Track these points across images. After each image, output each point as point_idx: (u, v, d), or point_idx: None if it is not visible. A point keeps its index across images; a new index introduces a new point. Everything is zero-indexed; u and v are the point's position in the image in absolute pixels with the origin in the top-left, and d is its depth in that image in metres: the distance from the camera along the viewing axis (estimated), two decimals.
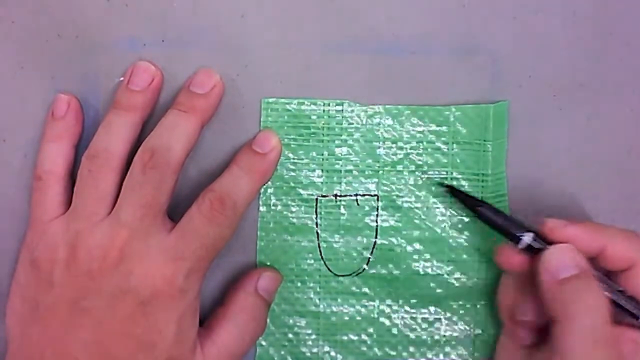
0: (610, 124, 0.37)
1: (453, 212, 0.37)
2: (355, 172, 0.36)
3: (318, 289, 0.37)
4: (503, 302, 0.36)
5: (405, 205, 0.37)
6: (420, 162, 0.36)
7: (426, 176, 0.36)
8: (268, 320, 0.36)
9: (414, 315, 0.37)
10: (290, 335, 0.37)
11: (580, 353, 0.30)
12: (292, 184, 0.36)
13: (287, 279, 0.37)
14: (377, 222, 0.37)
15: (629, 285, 0.33)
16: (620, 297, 0.32)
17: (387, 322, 0.37)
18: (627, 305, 0.32)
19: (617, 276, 0.33)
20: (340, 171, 0.36)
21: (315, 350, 0.37)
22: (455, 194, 0.36)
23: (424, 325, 0.37)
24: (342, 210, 0.37)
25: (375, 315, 0.37)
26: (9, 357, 0.33)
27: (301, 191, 0.36)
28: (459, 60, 0.36)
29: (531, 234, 0.33)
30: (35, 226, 0.34)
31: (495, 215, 0.34)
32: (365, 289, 0.37)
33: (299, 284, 0.37)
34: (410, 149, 0.36)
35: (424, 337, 0.37)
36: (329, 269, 0.37)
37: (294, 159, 0.36)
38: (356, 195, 0.37)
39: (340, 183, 0.37)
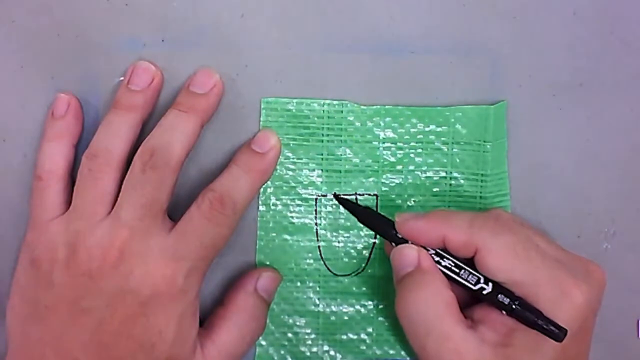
0: (610, 124, 0.37)
1: None
2: (355, 172, 0.36)
3: (317, 289, 0.37)
4: None
5: (405, 205, 0.37)
6: (419, 162, 0.36)
7: (425, 176, 0.36)
8: (267, 320, 0.36)
9: None
10: (290, 335, 0.37)
11: (414, 345, 0.32)
12: (291, 184, 0.36)
13: (287, 278, 0.37)
14: None
15: (484, 272, 0.32)
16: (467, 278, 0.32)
17: (386, 322, 0.37)
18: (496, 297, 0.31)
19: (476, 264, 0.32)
20: (340, 171, 0.36)
21: (314, 349, 0.37)
22: (341, 202, 0.36)
23: None
24: (342, 210, 0.37)
25: (375, 315, 0.37)
26: (9, 357, 0.33)
27: (301, 191, 0.36)
28: (459, 60, 0.36)
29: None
30: (35, 226, 0.34)
31: (373, 216, 0.35)
32: (365, 289, 0.37)
33: (298, 284, 0.37)
34: (410, 149, 0.36)
35: None
36: (328, 268, 0.37)
37: (293, 158, 0.36)
38: (356, 195, 0.37)
39: (339, 183, 0.37)
